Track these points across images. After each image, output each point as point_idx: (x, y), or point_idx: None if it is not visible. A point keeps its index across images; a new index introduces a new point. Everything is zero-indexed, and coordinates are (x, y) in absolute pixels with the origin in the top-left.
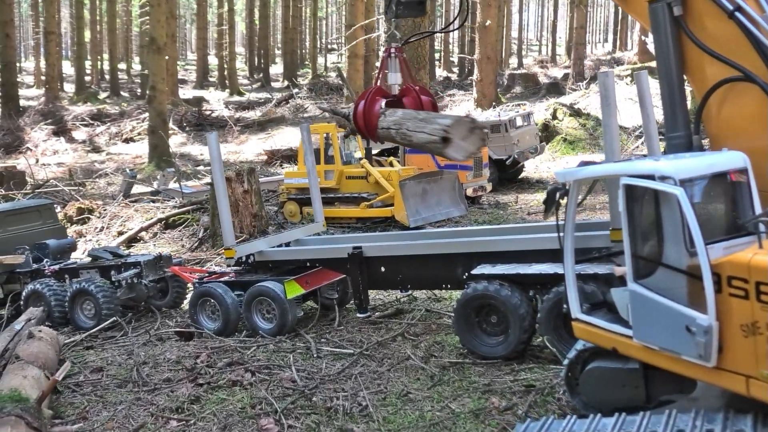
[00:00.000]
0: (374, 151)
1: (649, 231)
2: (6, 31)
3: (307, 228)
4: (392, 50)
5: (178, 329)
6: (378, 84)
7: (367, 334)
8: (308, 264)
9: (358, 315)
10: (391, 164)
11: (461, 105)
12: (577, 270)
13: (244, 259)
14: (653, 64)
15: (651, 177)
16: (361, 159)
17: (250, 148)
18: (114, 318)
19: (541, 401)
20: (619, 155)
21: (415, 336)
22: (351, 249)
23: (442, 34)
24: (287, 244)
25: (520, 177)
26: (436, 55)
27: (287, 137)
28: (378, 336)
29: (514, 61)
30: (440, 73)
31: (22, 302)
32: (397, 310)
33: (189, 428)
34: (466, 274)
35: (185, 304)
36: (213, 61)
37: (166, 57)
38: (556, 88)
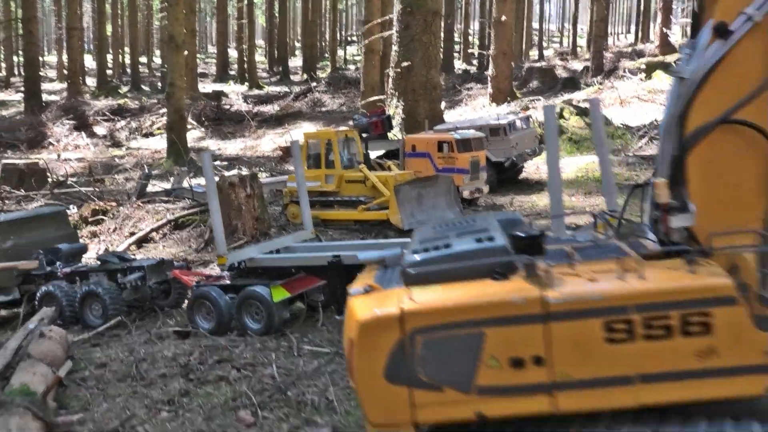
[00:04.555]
0: (381, 153)
1: None
2: (29, 27)
3: (296, 235)
4: None
5: (176, 329)
6: None
7: None
8: (293, 270)
9: (337, 317)
10: (389, 168)
11: (477, 99)
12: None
13: (236, 264)
14: (670, 58)
15: None
16: (360, 163)
17: (267, 143)
18: (119, 317)
19: None
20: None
21: None
22: (331, 258)
23: (462, 26)
24: (278, 251)
25: (519, 178)
26: (456, 47)
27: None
28: None
29: (535, 53)
30: (460, 66)
31: (36, 302)
32: None
33: (177, 419)
34: None
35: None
36: (233, 54)
37: (185, 53)
38: (572, 83)
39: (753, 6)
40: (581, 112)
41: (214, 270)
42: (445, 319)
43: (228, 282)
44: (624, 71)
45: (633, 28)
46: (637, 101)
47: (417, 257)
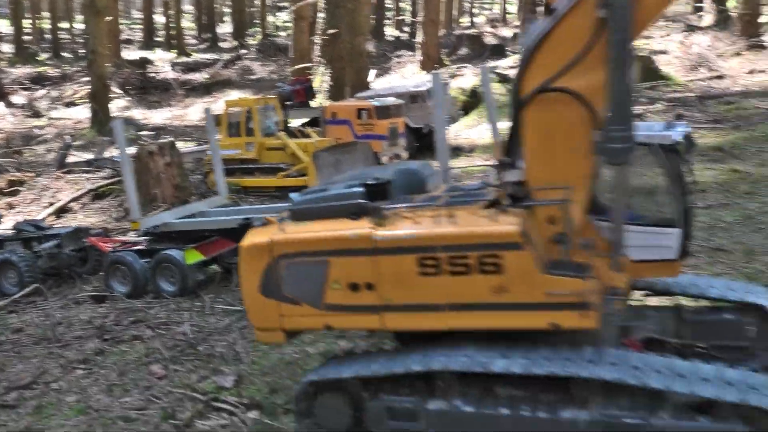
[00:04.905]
0: (305, 120)
1: None
2: None
3: (211, 200)
4: None
5: (92, 293)
6: None
7: None
8: (206, 234)
9: None
10: (309, 136)
11: (407, 66)
12: None
13: (152, 230)
14: None
15: None
16: (280, 131)
17: (195, 112)
18: (35, 285)
19: None
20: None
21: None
22: (241, 220)
23: None
24: (193, 216)
25: None
26: (388, 14)
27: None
28: None
29: (467, 20)
30: (391, 33)
31: None
32: None
33: (91, 375)
34: None
35: None
36: (160, 20)
37: (108, 18)
38: (500, 50)
39: None
40: (503, 80)
41: (133, 238)
42: (301, 248)
43: (143, 247)
44: None
45: None
46: None
47: (297, 198)
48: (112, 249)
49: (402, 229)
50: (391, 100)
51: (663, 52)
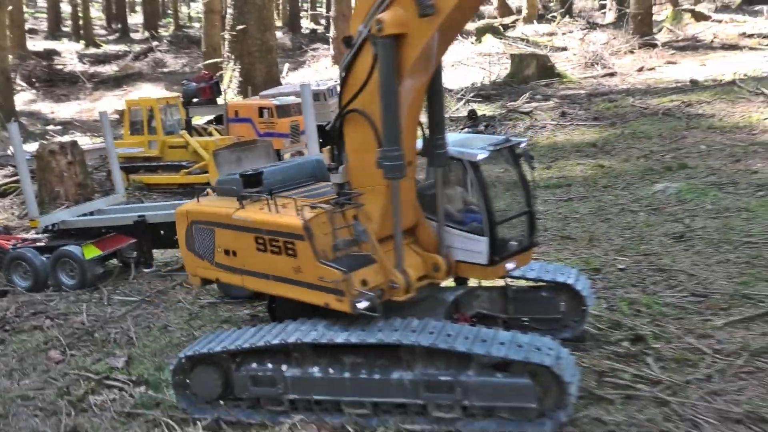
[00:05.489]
0: (211, 118)
1: None
2: None
3: (108, 199)
4: None
5: None
6: None
7: (154, 284)
8: (103, 230)
9: (145, 270)
10: (211, 134)
11: (320, 61)
12: None
13: (52, 227)
14: (508, 20)
15: None
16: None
17: (104, 106)
18: None
19: None
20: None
21: (190, 284)
22: (136, 217)
23: None
24: (92, 213)
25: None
26: (304, 5)
27: (144, 94)
28: (161, 286)
29: None
30: (308, 25)
31: None
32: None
33: None
34: None
35: None
36: (66, 9)
37: (10, 8)
38: None
39: (362, 24)
40: None
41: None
42: (202, 218)
43: (44, 244)
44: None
45: None
46: (460, 65)
47: (219, 179)
48: (13, 246)
49: (248, 212)
50: (292, 99)
51: (564, 49)
